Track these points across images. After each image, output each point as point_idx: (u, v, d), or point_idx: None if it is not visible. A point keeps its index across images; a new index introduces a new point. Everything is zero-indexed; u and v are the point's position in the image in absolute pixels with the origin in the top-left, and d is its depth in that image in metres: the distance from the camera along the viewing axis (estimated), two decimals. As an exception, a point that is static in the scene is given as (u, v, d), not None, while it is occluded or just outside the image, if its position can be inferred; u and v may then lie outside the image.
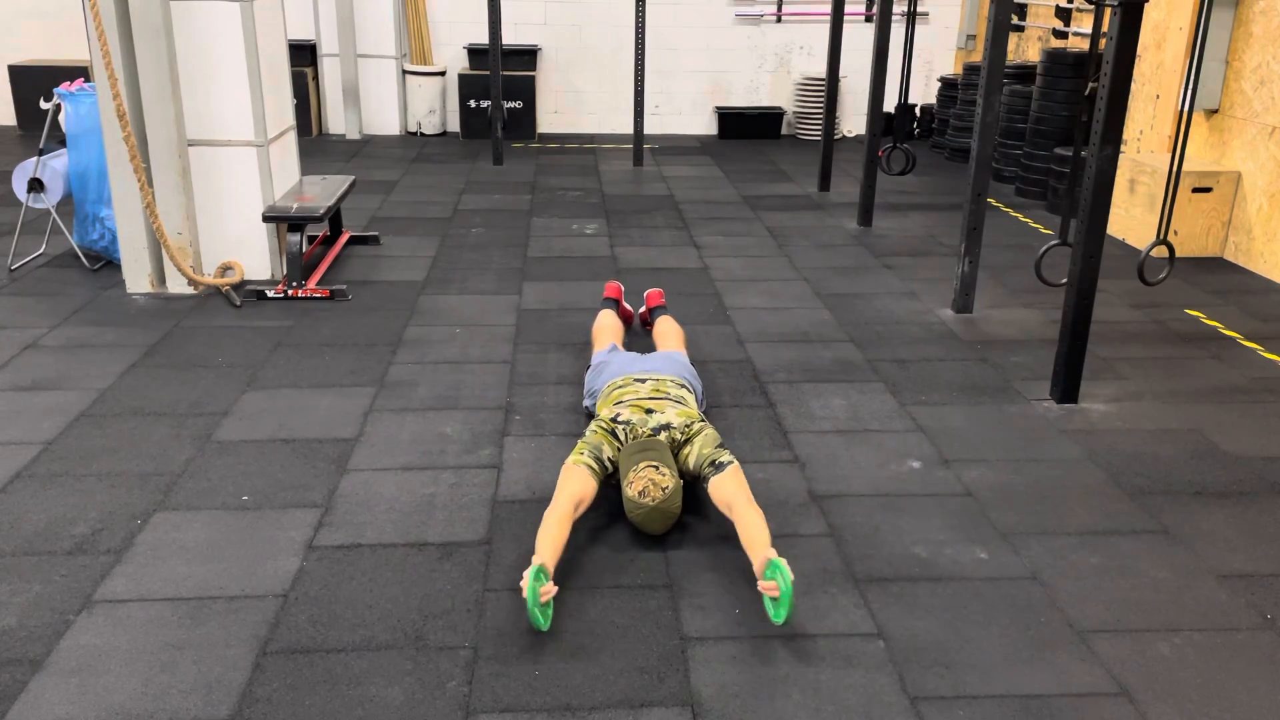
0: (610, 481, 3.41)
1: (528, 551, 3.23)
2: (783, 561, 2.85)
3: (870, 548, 3.31)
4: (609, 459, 3.40)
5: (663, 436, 3.44)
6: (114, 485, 3.61)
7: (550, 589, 2.83)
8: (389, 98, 10.58)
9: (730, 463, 3.33)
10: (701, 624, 2.92)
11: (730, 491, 3.22)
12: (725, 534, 3.33)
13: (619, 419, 3.52)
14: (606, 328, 4.55)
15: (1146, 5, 3.93)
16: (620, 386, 3.74)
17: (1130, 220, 6.93)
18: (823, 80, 9.13)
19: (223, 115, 5.50)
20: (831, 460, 3.88)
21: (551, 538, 3.03)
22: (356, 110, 10.47)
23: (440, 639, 2.84)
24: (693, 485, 3.53)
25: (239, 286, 5.61)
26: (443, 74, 10.69)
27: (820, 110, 10.14)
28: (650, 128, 10.57)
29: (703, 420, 3.58)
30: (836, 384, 4.58)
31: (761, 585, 2.85)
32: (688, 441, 3.45)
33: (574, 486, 3.25)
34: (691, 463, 3.40)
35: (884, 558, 3.26)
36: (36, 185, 5.80)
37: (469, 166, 9.29)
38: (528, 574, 2.81)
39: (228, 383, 4.48)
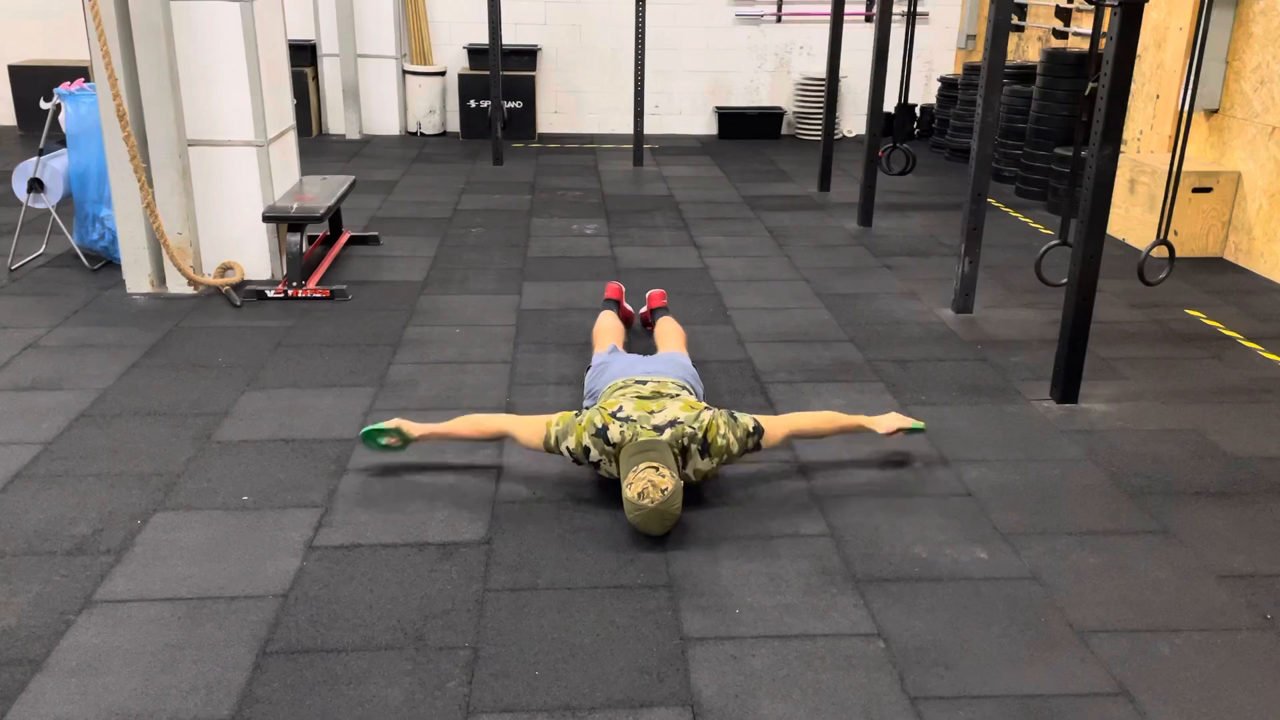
0: (611, 481, 3.41)
1: (529, 551, 3.24)
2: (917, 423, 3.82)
3: (870, 548, 3.31)
4: (567, 447, 3.49)
5: (668, 434, 3.41)
6: (114, 485, 3.61)
7: (393, 440, 3.68)
8: (389, 98, 10.58)
9: (758, 423, 3.58)
10: (701, 624, 2.92)
11: (786, 421, 3.71)
12: (725, 534, 3.34)
13: (620, 413, 3.49)
14: (607, 329, 4.55)
15: (1146, 5, 3.93)
16: (621, 388, 3.73)
17: (1130, 220, 6.93)
18: (823, 80, 9.14)
19: (223, 115, 5.50)
20: (832, 461, 3.88)
21: (447, 424, 3.73)
22: (356, 110, 10.47)
23: (440, 639, 2.84)
24: (693, 486, 3.53)
25: (239, 286, 5.61)
26: (443, 74, 10.69)
27: (820, 110, 10.15)
28: (650, 128, 10.57)
29: (706, 406, 3.57)
30: (836, 384, 4.58)
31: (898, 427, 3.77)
32: (709, 440, 3.43)
33: (521, 428, 3.64)
34: (735, 450, 3.51)
35: (884, 558, 3.26)
36: (36, 185, 5.80)
37: (469, 166, 9.29)
38: (393, 425, 3.64)
39: (228, 383, 4.48)
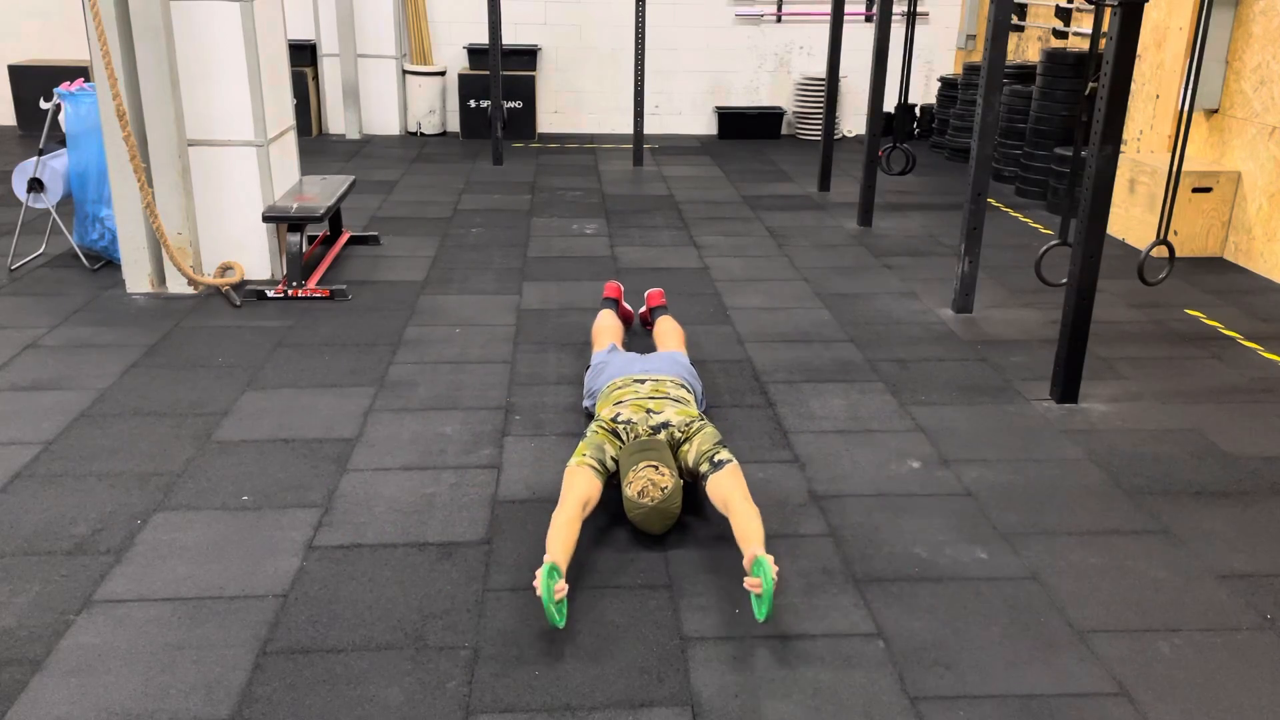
0: (613, 481, 3.41)
1: (528, 551, 3.24)
2: (768, 559, 2.84)
3: (870, 548, 3.31)
4: (611, 458, 3.40)
5: (662, 435, 3.45)
6: (114, 485, 3.61)
7: (563, 587, 2.82)
8: (389, 98, 10.58)
9: (729, 461, 3.33)
10: (701, 624, 2.92)
11: (727, 489, 3.23)
12: (725, 534, 3.33)
13: (619, 418, 3.52)
14: (606, 328, 4.55)
15: (1146, 5, 3.93)
16: (620, 387, 3.74)
17: (1130, 220, 6.93)
18: (823, 80, 9.14)
19: (223, 115, 5.50)
20: (831, 460, 3.88)
21: (562, 538, 3.03)
22: (356, 110, 10.47)
23: (440, 639, 2.84)
24: (693, 485, 3.53)
25: (239, 286, 5.61)
26: (443, 74, 10.69)
27: (820, 110, 10.15)
28: (650, 128, 10.57)
29: (702, 419, 3.58)
30: (836, 384, 4.58)
31: (747, 582, 2.84)
32: (687, 440, 3.46)
33: (581, 488, 3.25)
34: (691, 459, 3.40)
35: (884, 558, 3.26)
36: (36, 185, 5.80)
37: (469, 166, 9.29)
38: (540, 573, 2.81)
39: (228, 383, 4.48)
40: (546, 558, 2.91)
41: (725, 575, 3.14)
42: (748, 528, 3.06)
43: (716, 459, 3.33)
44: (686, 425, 3.49)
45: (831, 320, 5.40)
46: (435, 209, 7.68)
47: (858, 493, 3.65)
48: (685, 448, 3.44)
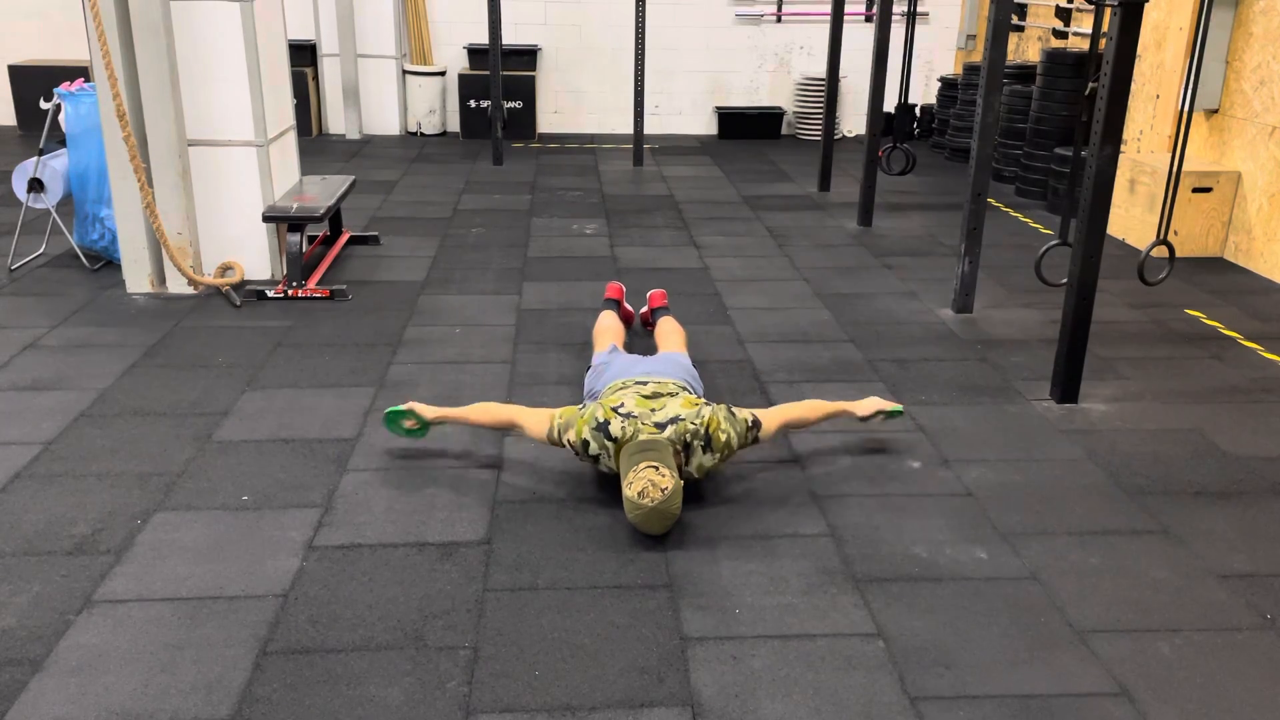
0: (613, 481, 3.41)
1: (528, 551, 3.24)
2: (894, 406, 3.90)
3: (870, 548, 3.31)
4: (568, 440, 3.51)
5: (669, 431, 3.41)
6: (114, 485, 3.61)
7: (413, 424, 3.75)
8: (389, 98, 10.58)
9: (756, 417, 3.62)
10: (701, 624, 2.92)
11: (778, 411, 3.76)
12: (725, 534, 3.34)
13: (622, 409, 3.49)
14: (607, 329, 4.55)
15: (1146, 5, 3.93)
16: (621, 388, 3.73)
17: (1130, 220, 6.93)
18: (823, 80, 9.14)
19: (223, 115, 5.50)
20: (831, 460, 3.88)
21: (461, 409, 3.77)
22: (356, 110, 10.47)
23: (440, 639, 2.84)
24: (692, 485, 3.53)
25: (239, 286, 5.61)
26: (443, 74, 10.69)
27: (820, 110, 10.15)
28: (650, 128, 10.57)
29: (706, 402, 3.58)
30: (836, 384, 4.58)
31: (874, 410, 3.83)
32: (711, 434, 3.44)
33: (528, 419, 3.67)
34: (735, 444, 3.52)
35: (884, 558, 3.26)
36: (36, 185, 5.80)
37: (469, 166, 9.29)
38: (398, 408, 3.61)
39: (228, 383, 4.48)
40: (418, 406, 3.79)
41: (725, 575, 3.14)
42: (829, 407, 3.92)
43: (750, 421, 3.60)
44: (697, 415, 3.47)
45: (831, 320, 5.40)
46: (435, 209, 7.68)
47: (858, 493, 3.65)
48: (722, 438, 3.49)
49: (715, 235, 7.07)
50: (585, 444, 3.46)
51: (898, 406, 3.99)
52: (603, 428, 3.43)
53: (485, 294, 5.76)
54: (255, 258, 5.77)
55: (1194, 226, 6.58)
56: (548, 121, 11.03)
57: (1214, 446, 4.06)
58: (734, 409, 3.60)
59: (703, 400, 3.63)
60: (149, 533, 3.32)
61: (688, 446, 3.43)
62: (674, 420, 3.45)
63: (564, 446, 3.55)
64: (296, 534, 3.33)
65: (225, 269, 5.67)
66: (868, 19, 10.75)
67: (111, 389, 4.39)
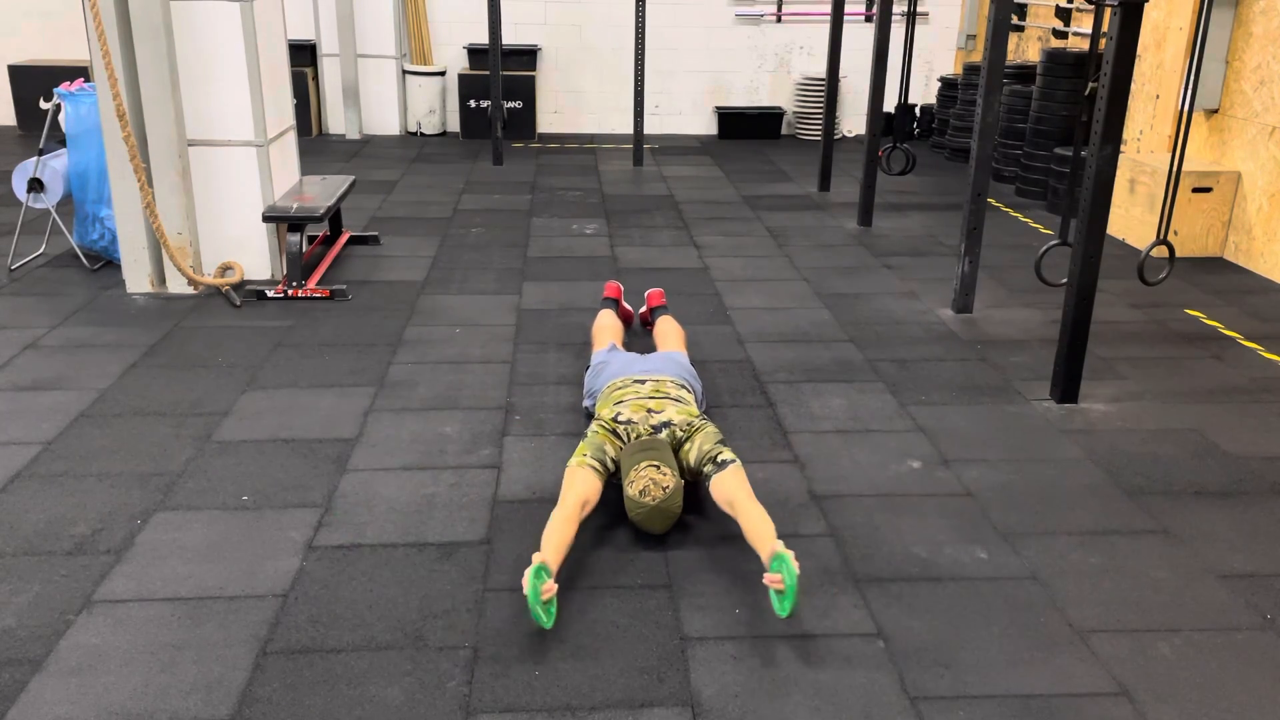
0: (613, 481, 3.41)
1: (528, 551, 3.23)
2: (789, 555, 2.85)
3: (870, 548, 3.31)
4: (612, 459, 3.40)
5: (664, 435, 3.45)
6: (114, 485, 3.61)
7: (551, 587, 2.82)
8: (389, 98, 10.58)
9: (732, 460, 3.32)
10: (701, 624, 2.92)
11: (731, 489, 3.22)
12: (725, 534, 3.33)
13: (620, 418, 3.52)
14: (606, 328, 4.55)
15: (1146, 5, 3.93)
16: (620, 387, 3.74)
17: (1130, 220, 6.93)
18: (823, 80, 9.13)
19: (223, 115, 5.50)
20: (831, 460, 3.88)
21: (557, 537, 3.03)
22: (356, 110, 10.47)
23: (440, 639, 2.84)
24: (694, 484, 3.53)
25: (239, 286, 5.61)
26: (443, 74, 10.69)
27: (820, 110, 10.15)
28: (650, 128, 10.57)
29: (703, 419, 3.59)
30: (836, 384, 4.58)
31: (767, 578, 2.84)
32: (688, 439, 3.46)
33: (580, 487, 3.24)
34: (692, 459, 3.40)
35: (884, 558, 3.26)
36: (36, 185, 5.80)
37: (469, 166, 9.29)
38: (529, 572, 2.80)
39: (228, 383, 4.48)
40: (537, 556, 2.89)
41: (725, 575, 3.14)
42: (759, 527, 3.05)
43: (719, 459, 3.33)
44: (688, 425, 3.50)
45: (831, 320, 5.40)
46: (435, 209, 7.68)
47: (858, 493, 3.65)
48: (686, 447, 3.44)
49: (715, 235, 7.07)
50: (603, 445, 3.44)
51: (791, 589, 2.82)
52: (604, 448, 3.42)
53: (485, 294, 5.76)
54: (255, 258, 5.77)
55: (1194, 226, 6.58)
56: (548, 121, 11.03)
57: (1214, 446, 4.06)
58: (723, 443, 3.43)
59: (699, 414, 3.63)
60: (149, 533, 3.32)
61: (678, 448, 3.44)
62: (666, 425, 3.49)
63: (616, 468, 3.41)
64: (296, 534, 3.33)
65: (225, 269, 5.67)
66: (868, 19, 10.75)
67: (111, 389, 4.39)
